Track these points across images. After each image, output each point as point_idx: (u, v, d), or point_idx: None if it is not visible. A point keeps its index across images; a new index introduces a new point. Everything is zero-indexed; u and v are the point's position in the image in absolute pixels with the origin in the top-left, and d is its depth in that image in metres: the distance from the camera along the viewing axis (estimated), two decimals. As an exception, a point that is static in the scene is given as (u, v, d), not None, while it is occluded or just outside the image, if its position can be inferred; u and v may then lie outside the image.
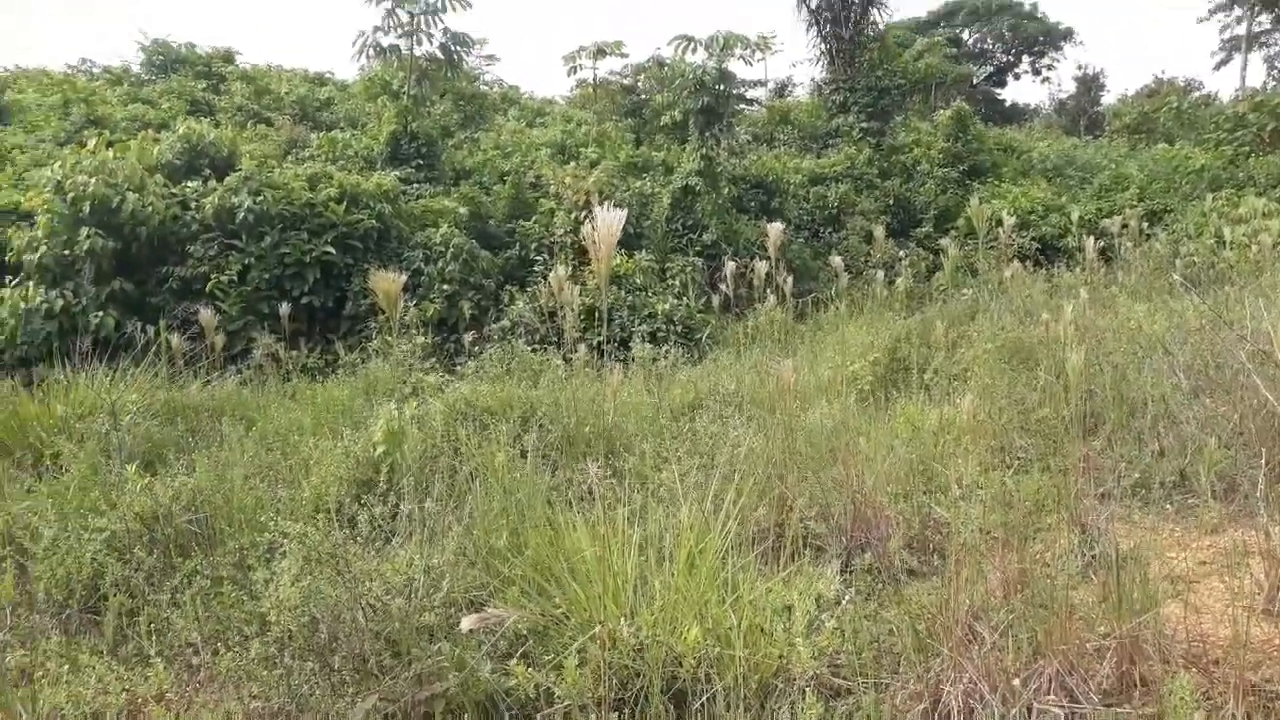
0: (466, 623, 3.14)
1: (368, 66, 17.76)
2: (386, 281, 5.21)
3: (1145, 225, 15.01)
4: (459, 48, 16.69)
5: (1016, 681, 2.98)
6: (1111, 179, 18.90)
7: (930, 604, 3.54)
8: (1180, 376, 5.94)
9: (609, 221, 4.08)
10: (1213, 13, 46.36)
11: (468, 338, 10.29)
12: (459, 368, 8.41)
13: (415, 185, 14.84)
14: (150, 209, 11.46)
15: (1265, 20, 45.66)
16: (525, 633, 3.60)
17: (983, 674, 3.04)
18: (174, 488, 5.00)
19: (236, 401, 8.30)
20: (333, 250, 11.97)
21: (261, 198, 11.88)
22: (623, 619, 3.30)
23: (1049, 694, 3.04)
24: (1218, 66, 48.07)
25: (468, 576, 4.08)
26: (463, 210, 13.64)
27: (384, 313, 6.57)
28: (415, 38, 15.96)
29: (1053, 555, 3.78)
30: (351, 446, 5.62)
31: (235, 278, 11.55)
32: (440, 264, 12.16)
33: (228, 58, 23.12)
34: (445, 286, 11.92)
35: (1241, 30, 44.62)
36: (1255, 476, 3.90)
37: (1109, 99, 40.07)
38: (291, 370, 10.10)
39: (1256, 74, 49.15)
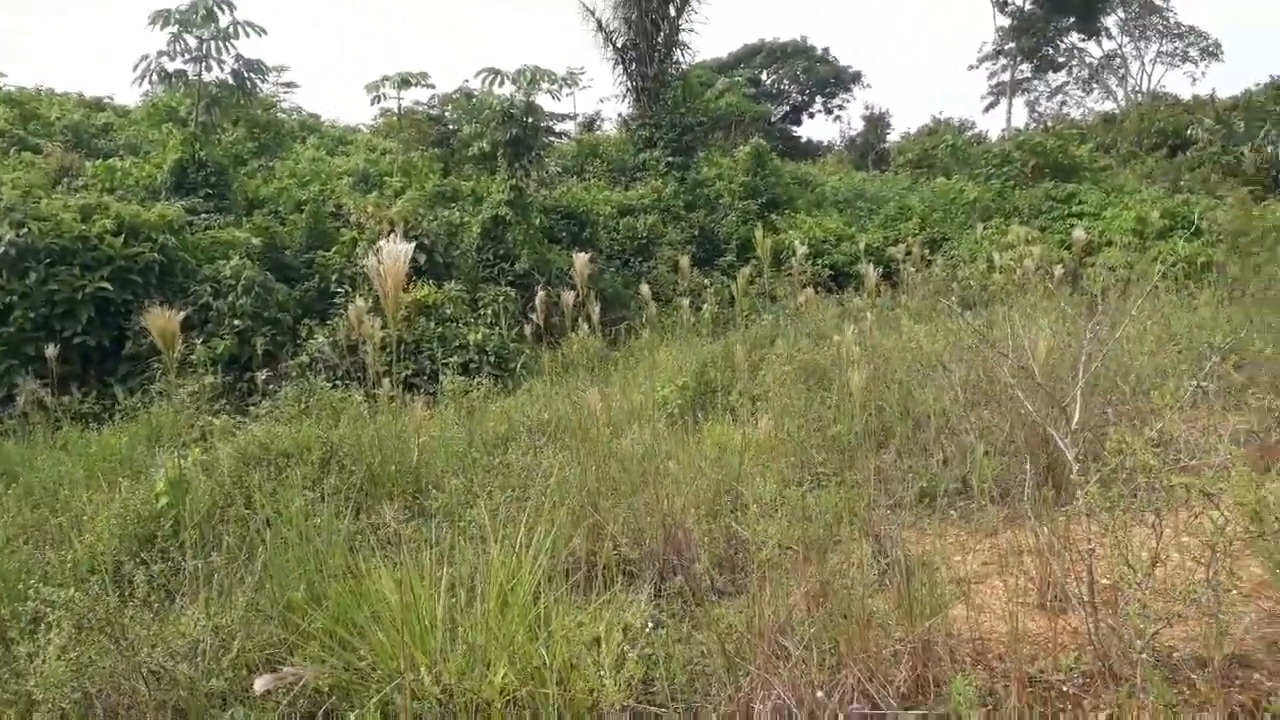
0: (259, 684, 2.95)
1: (151, 92, 16.62)
2: (161, 319, 4.85)
3: (926, 252, 16.22)
4: (252, 74, 15.93)
5: (821, 693, 3.07)
6: (896, 210, 20.34)
7: (738, 622, 3.61)
8: (958, 391, 6.41)
9: (393, 253, 3.97)
10: (981, 61, 51.44)
11: (261, 376, 9.71)
12: (252, 408, 7.92)
13: (203, 215, 13.96)
14: (-115, 243, 10.18)
15: (1026, 69, 51.01)
16: (328, 690, 3.39)
17: (790, 688, 3.12)
18: (-84, 557, 4.41)
19: (-4, 455, 7.46)
20: (109, 286, 11.03)
21: (25, 230, 10.81)
22: (426, 667, 3.16)
23: (852, 702, 3.15)
24: (987, 109, 53.42)
25: (262, 634, 3.81)
26: (255, 241, 12.93)
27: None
28: (204, 63, 15.10)
29: (850, 566, 3.95)
30: (130, 499, 5.16)
31: (-6, 318, 10.42)
32: (231, 298, 11.44)
33: (-14, 79, 21.02)
34: (236, 322, 11.22)
35: (1007, 77, 49.60)
36: (1024, 481, 4.24)
37: (894, 136, 43.21)
38: (62, 417, 9.18)
39: (1020, 116, 54.77)
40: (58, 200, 12.00)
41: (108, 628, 3.52)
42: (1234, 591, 3.16)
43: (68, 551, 4.76)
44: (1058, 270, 12.20)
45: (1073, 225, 16.81)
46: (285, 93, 25.64)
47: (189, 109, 15.57)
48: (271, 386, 9.20)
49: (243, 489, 5.33)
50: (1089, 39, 49.77)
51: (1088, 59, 54.57)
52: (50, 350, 9.72)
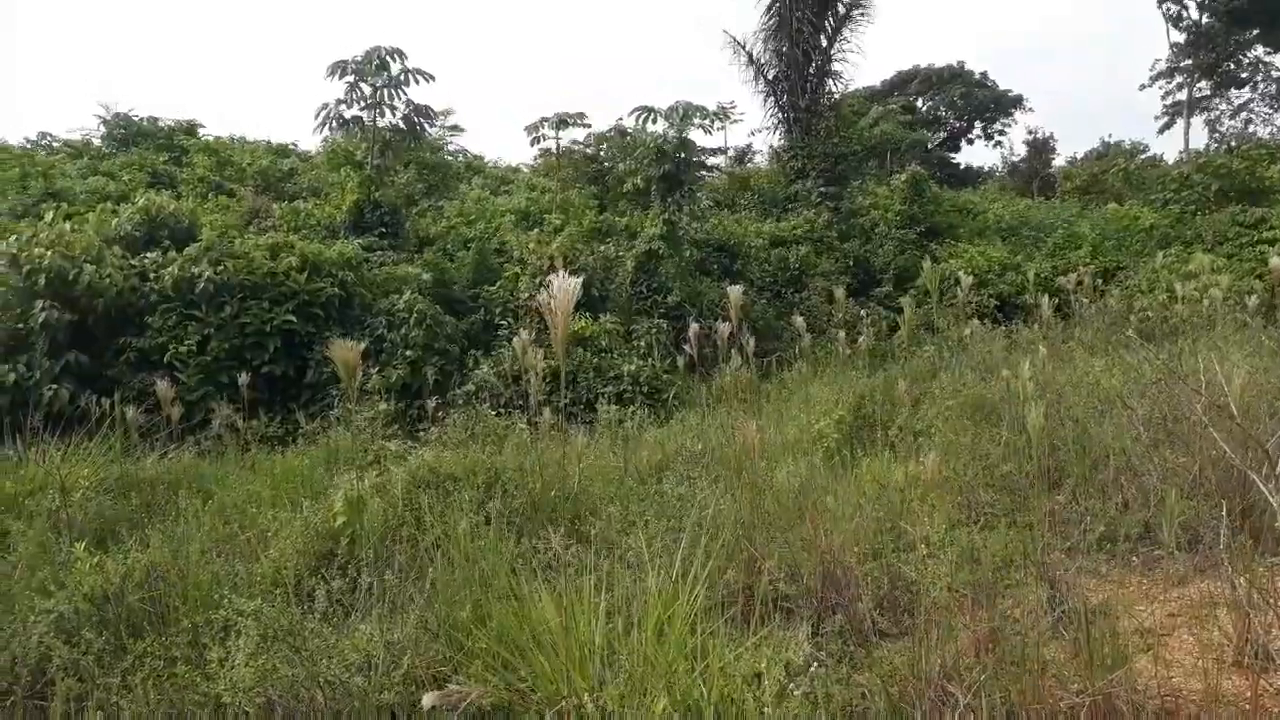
0: (428, 700, 3.06)
1: (331, 138, 17.89)
2: (344, 350, 5.17)
3: (1099, 282, 15.35)
4: (421, 119, 16.91)
5: (991, 744, 2.92)
6: (1065, 238, 19.36)
7: (901, 665, 3.49)
8: (1140, 429, 6.01)
9: (564, 288, 4.10)
10: (1154, 79, 48.39)
11: (431, 403, 10.19)
12: (422, 434, 8.30)
13: (379, 253, 14.84)
14: (108, 280, 11.35)
15: (1205, 86, 47.64)
16: (490, 709, 3.48)
17: (957, 736, 2.98)
18: (126, 565, 4.83)
19: (194, 474, 8.10)
20: (294, 319, 11.88)
21: (222, 267, 11.81)
22: (588, 692, 3.20)
23: (1025, 755, 2.99)
24: (1161, 130, 49.94)
25: (430, 651, 3.97)
26: (426, 276, 13.63)
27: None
28: (378, 110, 16.14)
29: (1022, 612, 3.75)
30: (310, 517, 5.49)
31: (194, 348, 11.41)
32: (404, 330, 12.10)
33: (190, 130, 23.15)
34: (409, 352, 11.84)
35: (1183, 96, 46.49)
36: (1217, 527, 3.92)
37: (1059, 161, 41.31)
38: (251, 440, 9.91)
39: (1199, 136, 51.09)
40: (250, 240, 13.06)
41: (290, 638, 3.74)
42: None
43: (255, 565, 5.10)
44: (1251, 300, 11.26)
45: (1264, 252, 15.49)
46: (452, 135, 27.03)
47: (364, 153, 16.64)
48: (440, 414, 9.63)
49: (413, 510, 5.56)
50: (1275, 52, 45.93)
51: (1275, 73, 50.27)
52: (242, 378, 10.53)
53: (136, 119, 22.28)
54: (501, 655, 3.75)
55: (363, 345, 7.27)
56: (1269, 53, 46.02)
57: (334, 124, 16.37)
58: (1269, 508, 3.45)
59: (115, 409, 9.60)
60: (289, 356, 11.91)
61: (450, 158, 25.78)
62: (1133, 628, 3.83)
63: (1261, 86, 50.49)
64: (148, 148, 20.94)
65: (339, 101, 16.12)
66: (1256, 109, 51.82)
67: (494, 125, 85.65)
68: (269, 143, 25.27)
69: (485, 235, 16.40)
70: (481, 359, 12.04)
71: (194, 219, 13.89)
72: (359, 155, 16.85)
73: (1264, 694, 3.30)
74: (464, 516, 5.09)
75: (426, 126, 17.49)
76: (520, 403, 9.66)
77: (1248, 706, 3.25)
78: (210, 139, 23.32)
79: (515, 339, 8.60)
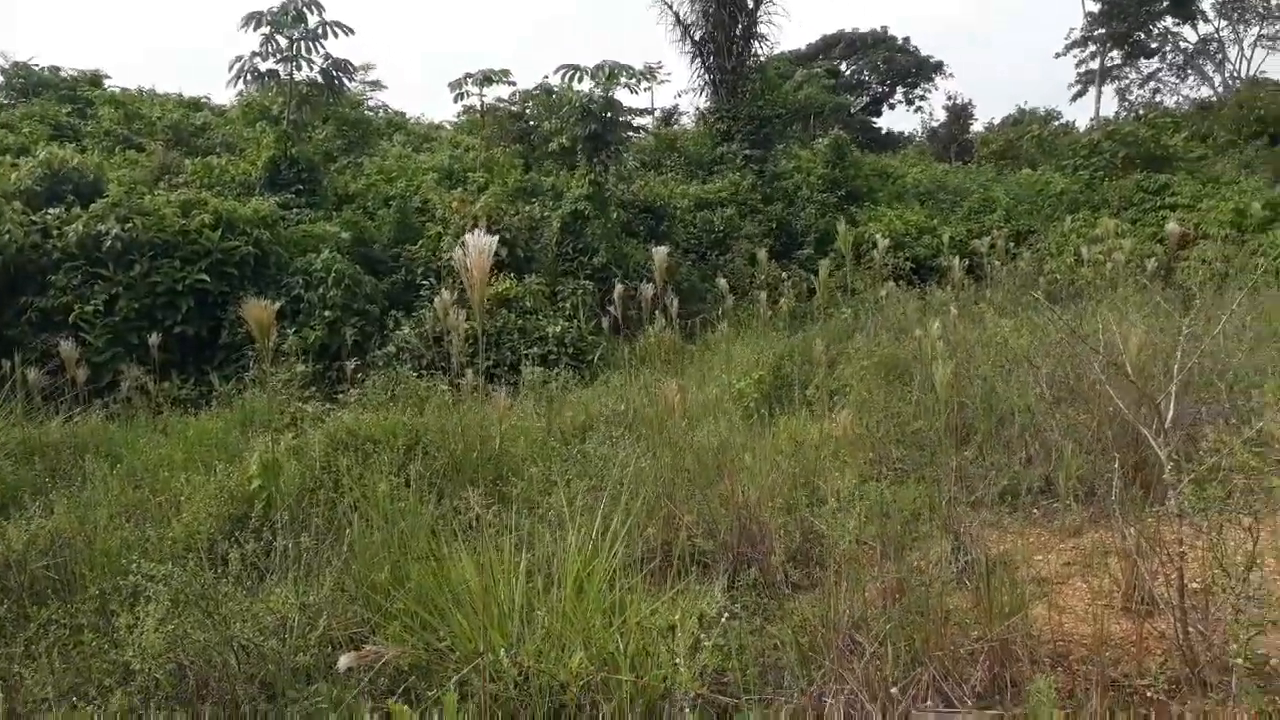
0: (344, 661, 3.04)
1: (245, 92, 17.21)
2: (258, 309, 5.04)
3: (1011, 245, 15.81)
4: (340, 73, 16.36)
5: (895, 689, 3.05)
6: (980, 202, 19.86)
7: (812, 616, 3.60)
8: (1044, 387, 6.25)
9: (479, 246, 4.05)
10: (1069, 48, 49.65)
11: (350, 365, 10.02)
12: (341, 396, 8.17)
13: (295, 211, 14.42)
14: (7, 237, 10.83)
15: (1116, 56, 49.06)
16: (408, 669, 3.49)
17: (863, 684, 3.10)
18: (29, 531, 4.69)
19: (102, 437, 7.84)
20: (207, 278, 11.50)
21: (131, 225, 11.35)
22: (505, 649, 3.24)
23: (926, 699, 3.13)
24: (1074, 98, 51.43)
25: (347, 613, 3.95)
26: (345, 235, 13.31)
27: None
28: (295, 63, 15.57)
29: (928, 563, 3.90)
30: (225, 481, 5.39)
31: (101, 308, 10.97)
32: (321, 290, 11.82)
33: (95, 81, 22.00)
34: (327, 313, 11.59)
35: (1095, 65, 47.81)
36: (1111, 480, 4.12)
37: (977, 127, 42.11)
38: (162, 403, 9.63)
39: (1110, 105, 52.74)
40: (160, 196, 12.56)
41: (202, 603, 3.68)
42: (1336, 599, 3.04)
43: (166, 530, 5.00)
44: (1150, 264, 11.76)
45: (1165, 218, 16.17)
46: (372, 91, 26.30)
47: (281, 108, 16.08)
48: (360, 375, 9.49)
49: (331, 473, 5.51)
50: (1184, 23, 47.46)
51: (1182, 44, 51.99)
52: (153, 339, 10.19)
53: (37, 68, 21.07)
54: (420, 616, 3.75)
55: (278, 305, 7.11)
56: (1177, 24, 47.64)
57: (249, 77, 15.72)
58: (1159, 461, 3.63)
59: (16, 371, 9.20)
60: (202, 317, 11.55)
61: (370, 114, 25.09)
62: (1031, 576, 4.02)
63: (1169, 57, 52.31)
64: (49, 99, 19.85)
65: (254, 54, 15.47)
66: (1164, 79, 53.70)
67: (416, 81, 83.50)
68: (180, 96, 24.18)
69: (407, 193, 16.07)
70: (402, 320, 11.85)
71: (100, 174, 13.27)
72: (275, 110, 16.28)
73: (1148, 637, 3.51)
74: (383, 479, 5.06)
75: (346, 81, 16.92)
76: (442, 364, 9.57)
77: (1133, 649, 3.45)
78: (117, 91, 22.20)
79: (437, 299, 8.50)
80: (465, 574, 3.78)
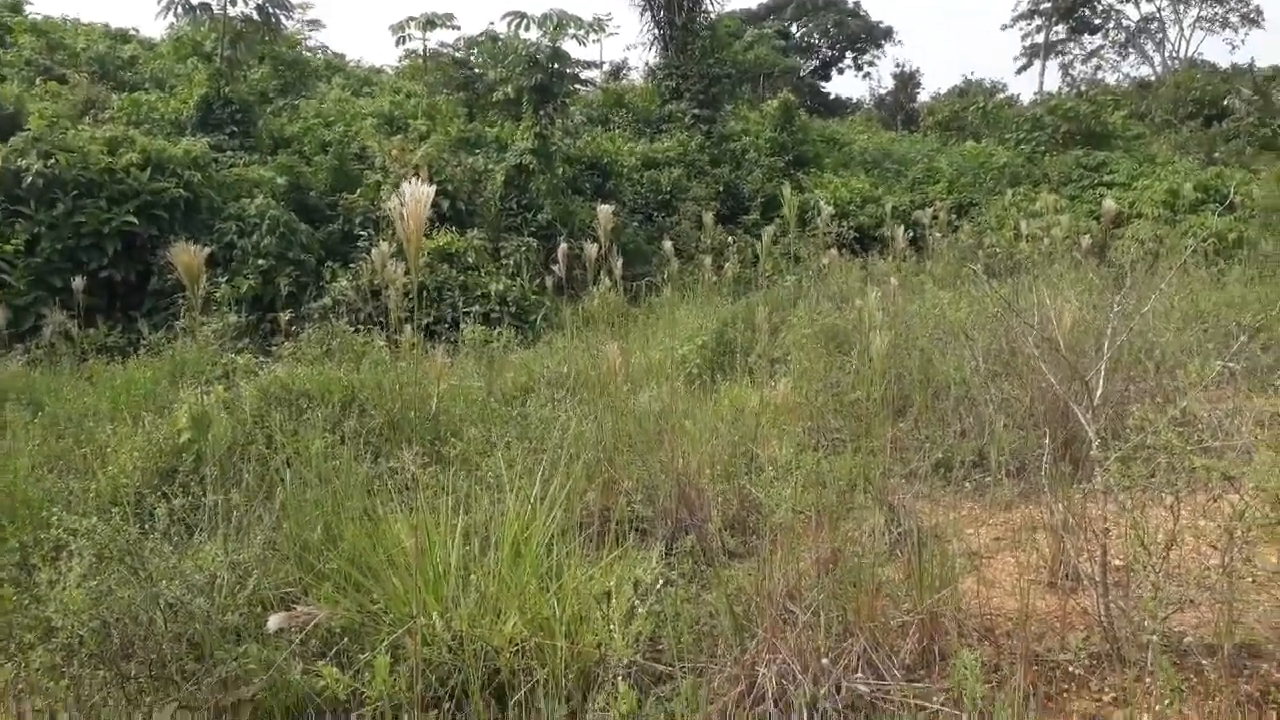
0: (274, 621, 3.00)
1: (177, 25, 16.51)
2: (187, 255, 4.87)
3: (953, 217, 16.03)
4: (278, 10, 15.78)
5: (826, 660, 3.10)
6: (924, 172, 20.05)
7: (747, 584, 3.64)
8: (979, 361, 6.36)
9: (416, 194, 3.93)
10: (1015, 20, 50.23)
11: (284, 317, 9.77)
12: (274, 349, 7.97)
13: (229, 153, 13.95)
14: (-84, 170, 10.28)
15: (1061, 30, 49.79)
16: (339, 631, 3.45)
17: (795, 654, 3.15)
18: (-58, 482, 4.51)
19: (23, 385, 7.57)
20: (135, 220, 11.09)
21: (53, 161, 10.86)
22: (439, 612, 3.21)
23: (856, 671, 3.19)
24: (1019, 71, 52.26)
25: (278, 572, 3.88)
26: (280, 181, 12.92)
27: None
28: (229, -2, 14.97)
29: (862, 534, 3.97)
30: (153, 433, 5.25)
31: (22, 248, 10.51)
32: (255, 237, 11.48)
33: (15, 6, 20.83)
34: (260, 262, 11.27)
35: (1041, 38, 48.47)
36: (1041, 455, 4.22)
37: (924, 96, 42.49)
38: (88, 350, 9.30)
39: (1054, 79, 53.61)
40: (84, 132, 12.03)
41: (128, 558, 3.58)
42: (1249, 579, 3.16)
43: (91, 482, 4.86)
44: (1085, 241, 12.03)
45: (1103, 195, 16.51)
46: (311, 30, 25.45)
47: (214, 44, 15.47)
48: (294, 328, 9.26)
49: (264, 428, 5.38)
50: (1127, 1, 48.36)
51: (1125, 22, 53.02)
52: (77, 283, 9.81)
53: (-52, -10, 19.94)
54: (354, 577, 3.70)
55: (209, 251, 6.86)
56: (1121, 1, 48.45)
57: (180, 10, 15.05)
58: (1089, 438, 3.72)
59: (-73, 313, 8.80)
60: (130, 261, 11.15)
61: (309, 54, 24.29)
62: (962, 550, 4.11)
63: (1112, 34, 53.29)
64: (-39, 25, 18.83)
65: (185, -15, 14.85)
66: (1106, 56, 54.73)
67: (357, 22, 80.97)
68: (107, 26, 23.07)
69: (345, 139, 15.62)
70: (339, 271, 11.58)
71: (20, 106, 12.68)
72: (208, 46, 15.66)
73: (1072, 613, 3.62)
74: (318, 435, 4.96)
75: (283, 19, 16.33)
76: (380, 319, 9.38)
77: (1058, 625, 3.56)
78: (38, 18, 21.07)
79: (375, 251, 8.31)
80: (400, 535, 3.74)
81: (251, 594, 3.61)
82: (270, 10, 15.59)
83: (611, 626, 3.12)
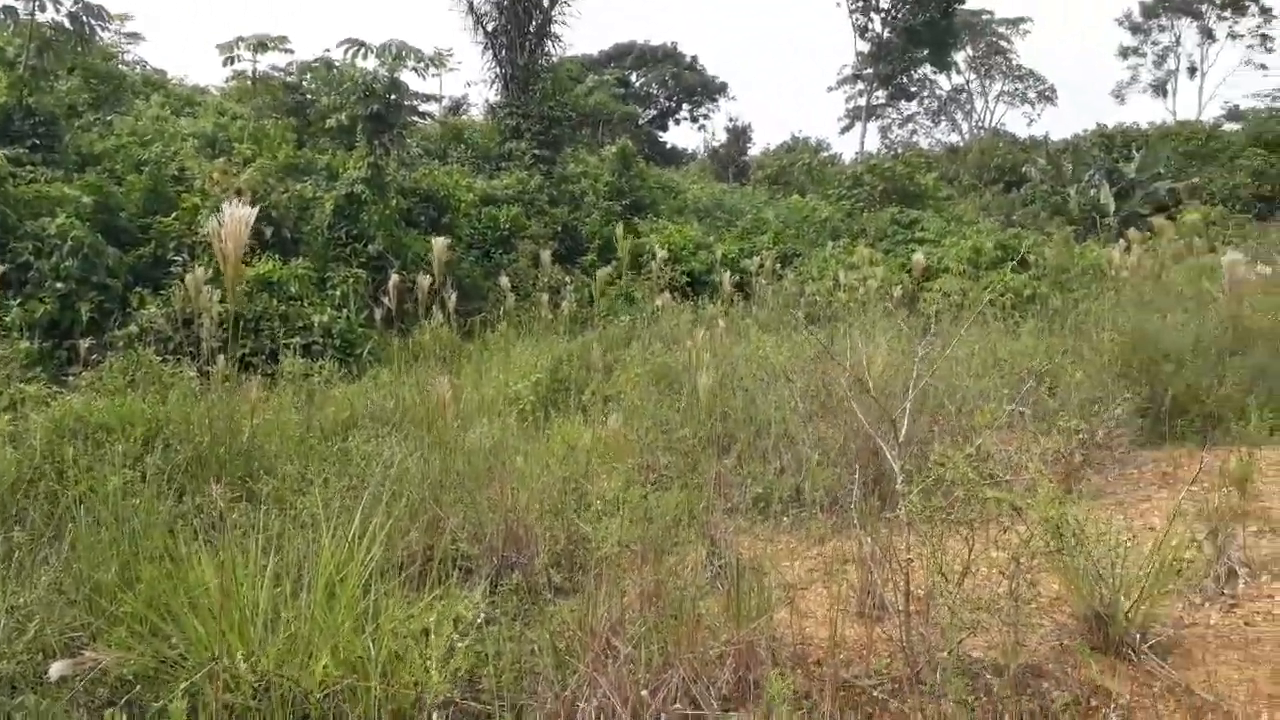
0: (56, 669, 2.80)
1: (-27, 29, 15.16)
2: (-30, 276, 4.43)
3: (778, 266, 16.74)
4: (93, 19, 14.78)
5: (645, 693, 3.14)
6: (752, 223, 20.91)
7: (571, 620, 3.64)
8: (798, 401, 6.67)
9: (235, 216, 3.78)
10: (840, 84, 53.67)
11: (85, 345, 9.06)
12: (71, 378, 7.38)
13: (29, 168, 12.86)
14: None
15: (881, 95, 53.54)
16: (133, 678, 3.21)
17: (616, 687, 3.16)
18: None
19: None
20: (-89, 235, 10.03)
21: None
22: (244, 655, 3.04)
23: (675, 702, 3.23)
24: (843, 131, 55.86)
25: (65, 617, 3.58)
26: (86, 200, 12.00)
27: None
28: (38, 2, 13.89)
29: (685, 568, 4.05)
30: (-78, 469, 4.73)
31: None
32: (55, 258, 10.60)
33: None
34: (59, 285, 10.41)
35: (863, 102, 51.89)
36: (852, 491, 4.46)
37: (755, 150, 44.37)
38: None
39: (873, 140, 57.57)
40: None
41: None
42: (1033, 604, 3.42)
43: None
44: (897, 291, 12.86)
45: (914, 250, 17.71)
46: (129, 43, 24.01)
47: (18, 50, 14.32)
48: (95, 356, 8.59)
49: (55, 463, 4.98)
50: (940, 72, 52.72)
51: (938, 91, 58.05)
52: None
53: None
54: (151, 620, 3.45)
55: (1, 271, 6.29)
56: (934, 73, 52.72)
57: (-21, 12, 13.87)
58: (895, 474, 3.95)
59: None
60: (-97, 279, 10.05)
61: (125, 68, 22.85)
62: (778, 582, 4.26)
63: (926, 102, 58.03)
64: None
65: (-12, -15, 13.70)
66: (921, 121, 59.62)
67: (181, 39, 76.97)
68: (-115, 23, 20.95)
69: (162, 159, 14.74)
70: (149, 298, 10.86)
71: None
72: (11, 52, 14.46)
73: (878, 640, 3.81)
74: (116, 472, 4.61)
75: (99, 29, 15.30)
76: (192, 349, 8.85)
77: (864, 652, 3.74)
78: None
79: (189, 275, 7.86)
80: (204, 575, 3.52)
81: (32, 640, 3.33)
82: (85, 19, 14.56)
83: (429, 664, 3.04)
